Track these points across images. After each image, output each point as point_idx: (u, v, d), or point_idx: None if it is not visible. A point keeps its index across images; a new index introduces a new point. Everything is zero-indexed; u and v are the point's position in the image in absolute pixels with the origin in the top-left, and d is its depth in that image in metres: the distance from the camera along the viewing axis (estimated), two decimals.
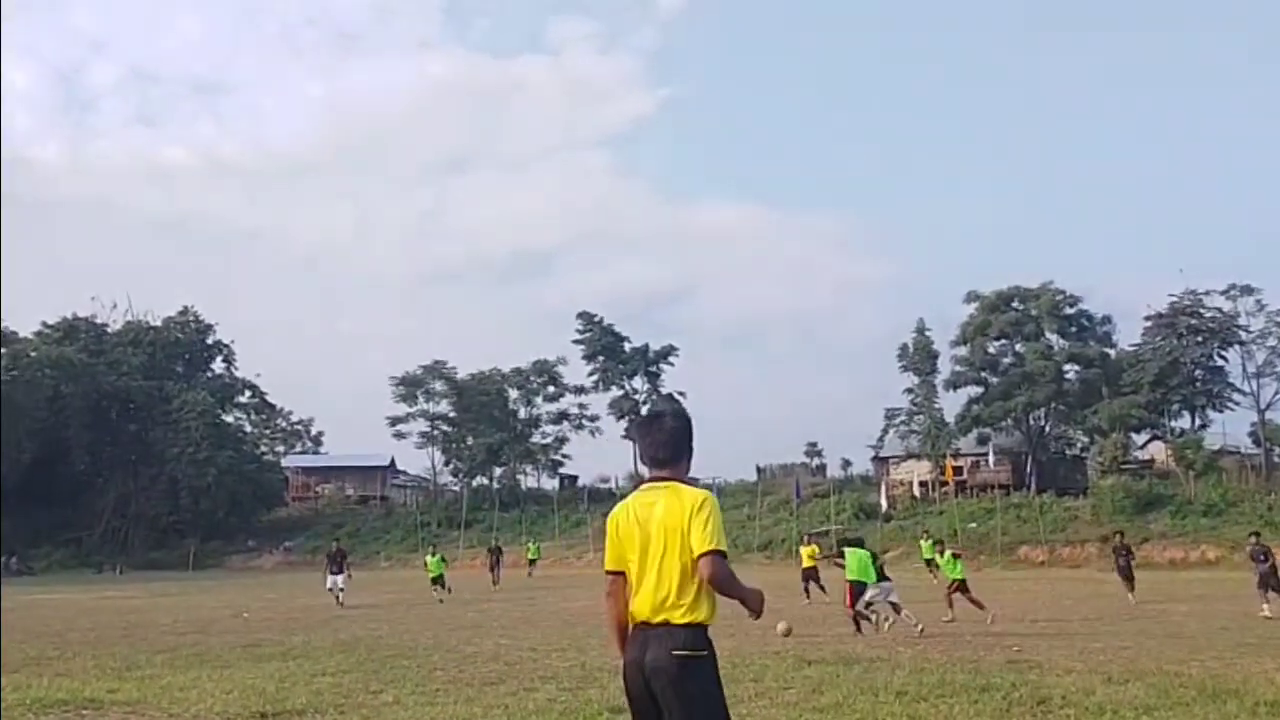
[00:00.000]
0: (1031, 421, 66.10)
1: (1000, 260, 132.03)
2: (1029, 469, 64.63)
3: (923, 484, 64.28)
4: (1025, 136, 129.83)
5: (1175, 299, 64.00)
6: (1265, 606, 20.17)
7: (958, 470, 64.04)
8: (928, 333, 67.22)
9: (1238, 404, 63.60)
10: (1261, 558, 21.64)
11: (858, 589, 17.60)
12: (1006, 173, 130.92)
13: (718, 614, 4.37)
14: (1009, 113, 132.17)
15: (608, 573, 4.59)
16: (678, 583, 4.33)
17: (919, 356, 66.87)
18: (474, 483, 78.94)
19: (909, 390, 67.61)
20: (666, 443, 4.59)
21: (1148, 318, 65.50)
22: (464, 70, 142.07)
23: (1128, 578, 23.59)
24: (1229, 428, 65.66)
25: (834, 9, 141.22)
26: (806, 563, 26.72)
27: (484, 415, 76.12)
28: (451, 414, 77.47)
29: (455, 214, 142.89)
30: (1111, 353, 65.84)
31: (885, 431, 70.79)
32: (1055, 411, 66.11)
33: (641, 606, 4.39)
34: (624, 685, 4.44)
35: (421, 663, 13.39)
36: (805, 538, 29.93)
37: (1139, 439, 67.53)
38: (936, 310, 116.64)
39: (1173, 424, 65.60)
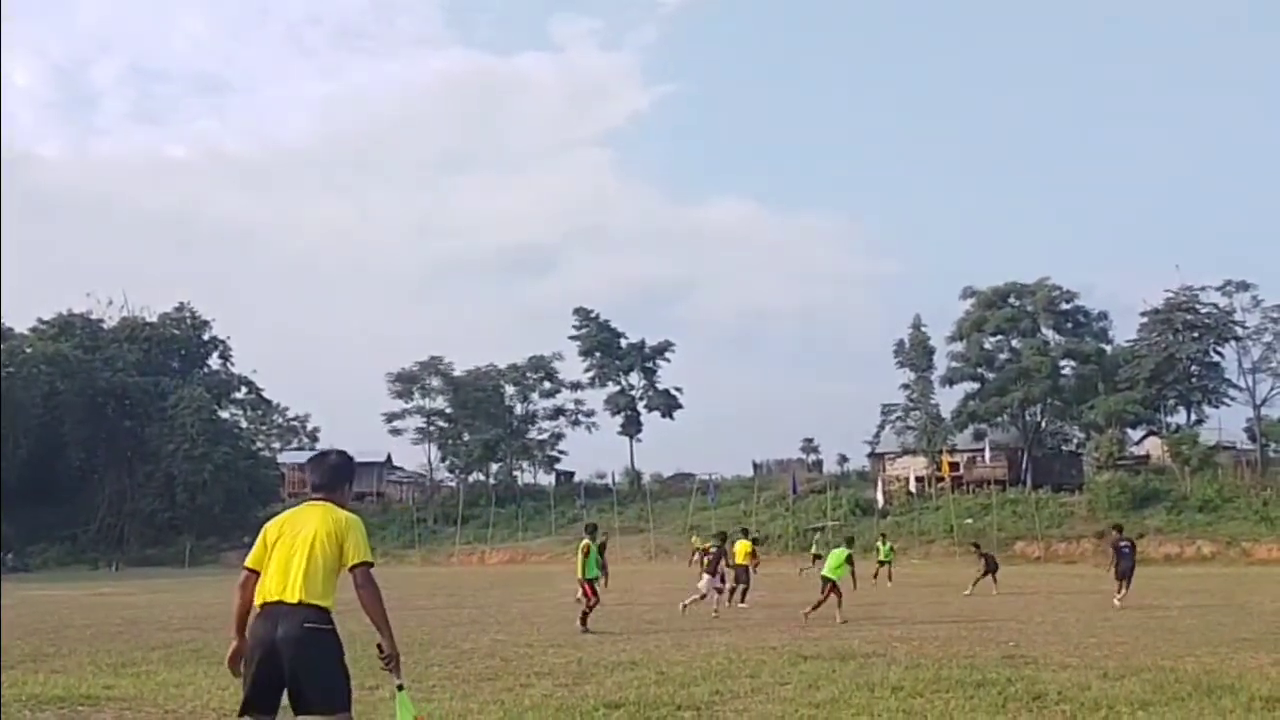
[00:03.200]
0: (1028, 417, 66.19)
1: (997, 256, 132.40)
2: (1025, 465, 64.74)
3: (919, 480, 64.36)
4: (1023, 134, 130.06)
5: (1171, 295, 64.13)
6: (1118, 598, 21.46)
7: (954, 466, 64.11)
8: (924, 329, 67.41)
9: (1233, 400, 63.77)
10: (1126, 550, 22.88)
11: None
12: (1004, 170, 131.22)
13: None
14: (1007, 110, 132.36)
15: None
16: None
17: (915, 352, 66.94)
18: (470, 479, 78.96)
19: (905, 386, 67.73)
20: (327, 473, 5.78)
21: (1144, 314, 65.68)
22: (465, 67, 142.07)
23: (1123, 576, 22.91)
24: (1225, 423, 65.85)
25: (834, 6, 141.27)
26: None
27: (480, 411, 76.10)
28: (448, 410, 77.42)
29: (455, 210, 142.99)
30: (1108, 349, 65.96)
31: (882, 427, 70.88)
32: (1051, 407, 66.19)
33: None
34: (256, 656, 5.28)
35: (417, 659, 13.38)
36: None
37: (1135, 435, 67.74)
38: (933, 306, 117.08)
39: (1168, 420, 65.73)
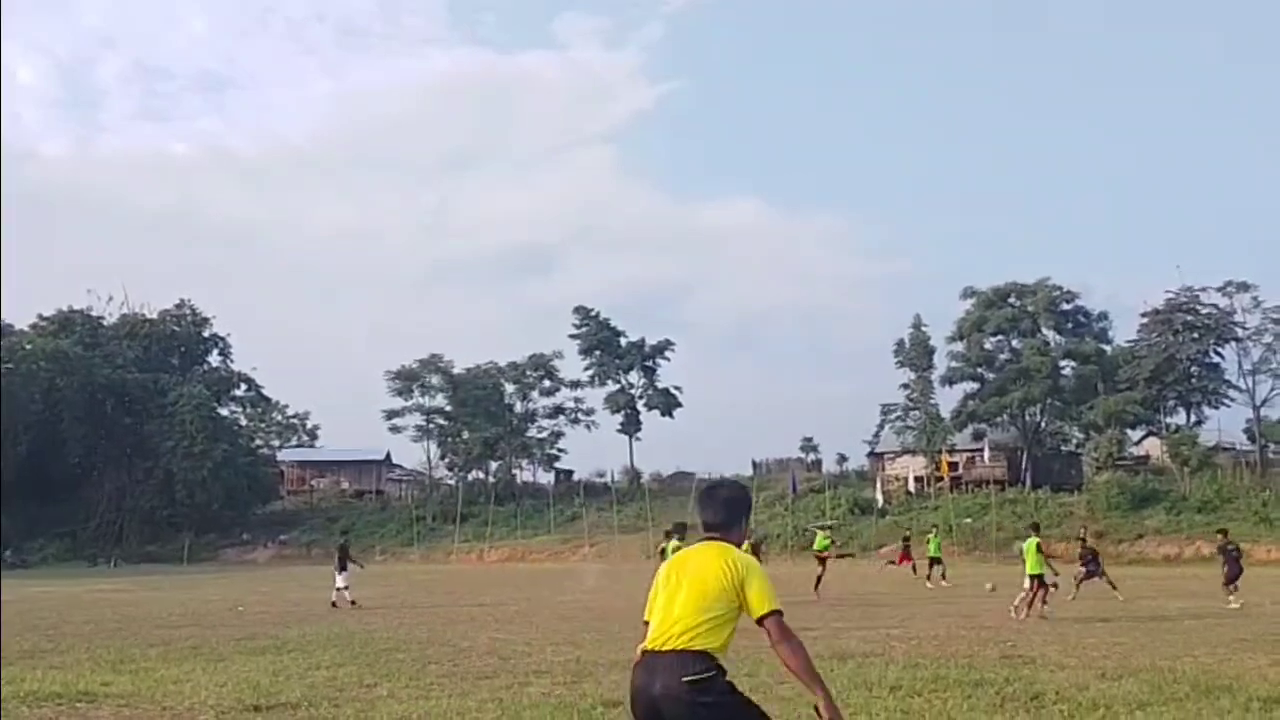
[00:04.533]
0: (1027, 417, 66.19)
1: (998, 257, 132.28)
2: (1024, 465, 64.75)
3: (918, 479, 64.39)
4: (1024, 135, 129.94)
5: (1172, 296, 64.11)
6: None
7: (953, 466, 64.12)
8: (925, 328, 67.38)
9: (1233, 400, 63.76)
10: (1233, 553, 23.19)
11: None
12: (1005, 170, 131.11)
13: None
14: (1007, 110, 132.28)
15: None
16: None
17: (916, 352, 66.93)
18: (470, 477, 78.92)
19: (905, 386, 67.72)
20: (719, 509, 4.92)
21: (1144, 314, 65.65)
22: (470, 66, 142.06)
23: (1231, 580, 23.14)
24: (1224, 424, 65.84)
25: (836, 7, 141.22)
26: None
27: (480, 409, 76.02)
28: (447, 408, 77.37)
29: (458, 209, 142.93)
30: (1108, 349, 65.97)
31: (881, 427, 70.86)
32: (1051, 407, 66.20)
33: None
34: None
35: (416, 656, 13.39)
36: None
37: (1134, 435, 67.72)
38: (934, 306, 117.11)
39: (1168, 420, 65.67)
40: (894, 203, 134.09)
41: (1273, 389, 61.16)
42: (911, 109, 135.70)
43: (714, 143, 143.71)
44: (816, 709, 4.42)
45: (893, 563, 35.53)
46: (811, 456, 77.32)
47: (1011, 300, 65.98)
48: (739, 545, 4.81)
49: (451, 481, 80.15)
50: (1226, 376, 63.79)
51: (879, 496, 60.90)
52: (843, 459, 77.18)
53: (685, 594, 4.56)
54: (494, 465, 78.58)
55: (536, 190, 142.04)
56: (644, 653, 4.56)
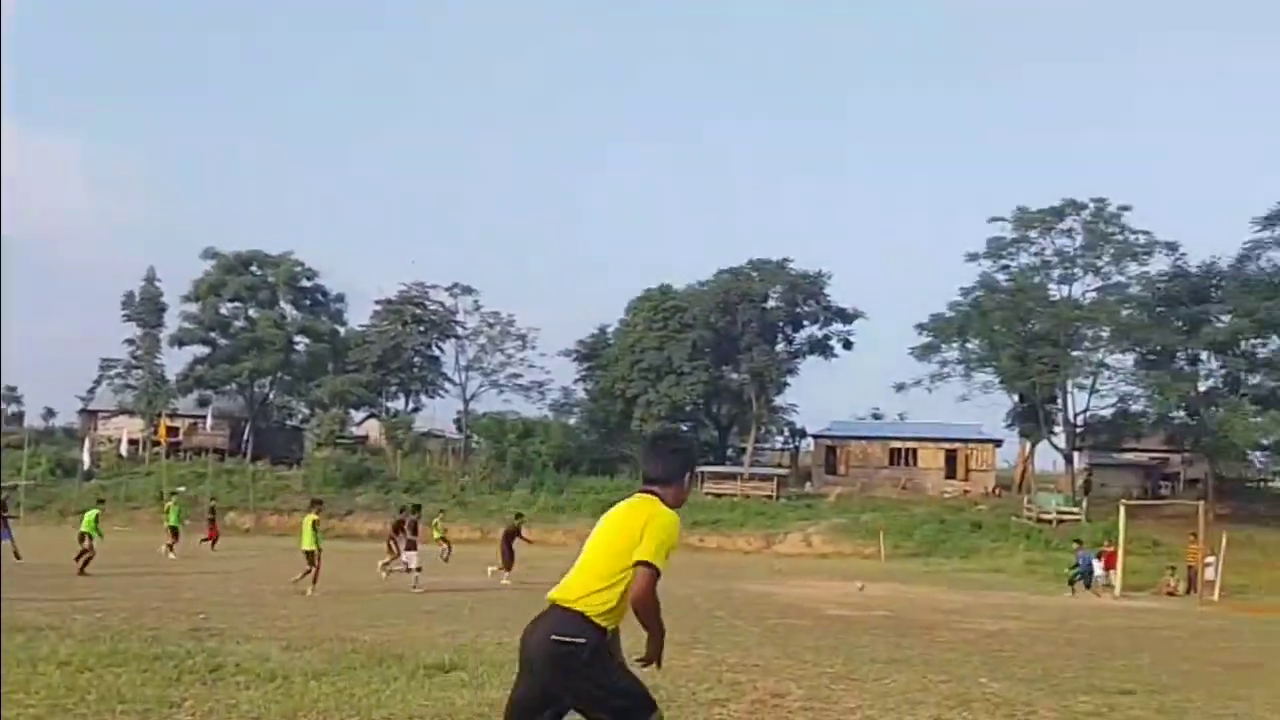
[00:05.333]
0: (256, 388, 66.13)
1: (245, 223, 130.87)
2: (247, 435, 64.56)
3: (133, 442, 61.11)
4: (282, 109, 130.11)
5: (405, 288, 68.15)
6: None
7: (173, 431, 61.92)
8: (158, 283, 63.85)
9: (448, 392, 69.50)
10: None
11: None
12: (279, 138, 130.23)
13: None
14: (285, 88, 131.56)
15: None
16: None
17: (145, 307, 63.23)
18: None
19: (130, 341, 63.81)
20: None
21: (378, 302, 68.95)
22: None
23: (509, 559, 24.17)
24: (438, 413, 71.48)
25: None
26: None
27: None
28: None
29: None
30: (342, 330, 68.24)
31: (98, 383, 66.21)
32: (281, 381, 66.89)
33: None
34: None
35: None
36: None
37: (357, 416, 70.77)
38: (171, 261, 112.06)
39: (389, 405, 69.61)
40: (145, 140, 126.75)
41: (481, 385, 67.62)
42: (196, 51, 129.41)
43: None
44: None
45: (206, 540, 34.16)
46: (14, 408, 70.01)
47: (254, 269, 65.50)
48: (676, 503, 4.71)
49: None
50: (444, 369, 69.39)
51: (86, 458, 56.62)
52: (50, 414, 71.01)
53: (591, 551, 4.62)
54: None
55: None
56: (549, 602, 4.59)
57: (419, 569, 21.62)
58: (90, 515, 23.17)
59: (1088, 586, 29.54)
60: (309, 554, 19.39)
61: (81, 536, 22.43)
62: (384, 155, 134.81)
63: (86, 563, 21.77)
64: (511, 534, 24.84)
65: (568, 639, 4.44)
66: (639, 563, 4.45)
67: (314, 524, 19.83)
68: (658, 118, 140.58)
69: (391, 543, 25.17)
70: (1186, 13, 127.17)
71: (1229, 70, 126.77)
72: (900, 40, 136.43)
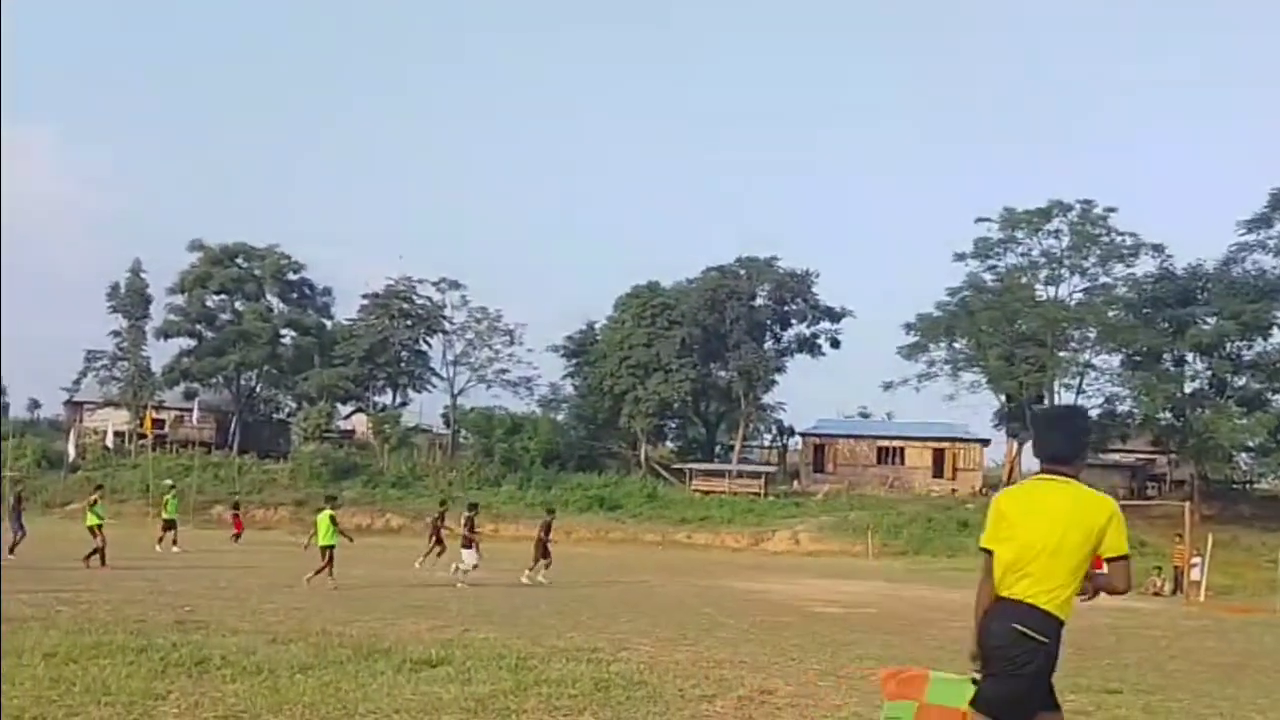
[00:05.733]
0: (243, 381, 65.97)
1: (231, 215, 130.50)
2: (233, 429, 64.39)
3: (119, 434, 60.86)
4: (273, 103, 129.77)
5: (392, 283, 68.00)
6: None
7: (159, 424, 61.69)
8: (144, 275, 63.42)
9: (435, 387, 69.40)
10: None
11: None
12: (253, 126, 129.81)
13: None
14: (276, 73, 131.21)
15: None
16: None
17: (131, 299, 62.89)
18: None
19: (116, 334, 63.54)
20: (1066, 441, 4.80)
21: (365, 296, 68.85)
22: None
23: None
24: (425, 408, 71.32)
25: None
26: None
27: None
28: None
29: None
30: (329, 324, 68.08)
31: (84, 374, 65.98)
32: (267, 374, 66.73)
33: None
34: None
35: None
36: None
37: (344, 410, 70.62)
38: (156, 253, 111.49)
39: (376, 399, 69.51)
40: (131, 133, 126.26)
41: (469, 380, 67.53)
42: (194, 33, 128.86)
43: None
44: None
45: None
46: None
47: (240, 261, 65.33)
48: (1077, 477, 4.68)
49: None
50: (432, 364, 69.28)
51: (72, 450, 56.33)
52: (35, 405, 70.66)
53: (1045, 549, 4.54)
54: None
55: None
56: (998, 598, 4.58)
57: (474, 567, 21.54)
58: (93, 506, 23.02)
59: None
60: (326, 549, 19.59)
61: (92, 531, 22.35)
62: (371, 149, 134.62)
63: (102, 555, 21.78)
64: (546, 529, 25.21)
65: (1040, 636, 4.49)
66: (1119, 558, 4.66)
67: (332, 519, 20.24)
68: (645, 114, 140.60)
69: (434, 537, 25.68)
70: (1174, 13, 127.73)
71: (1216, 71, 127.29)
72: (887, 40, 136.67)
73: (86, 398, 66.92)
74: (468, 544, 22.09)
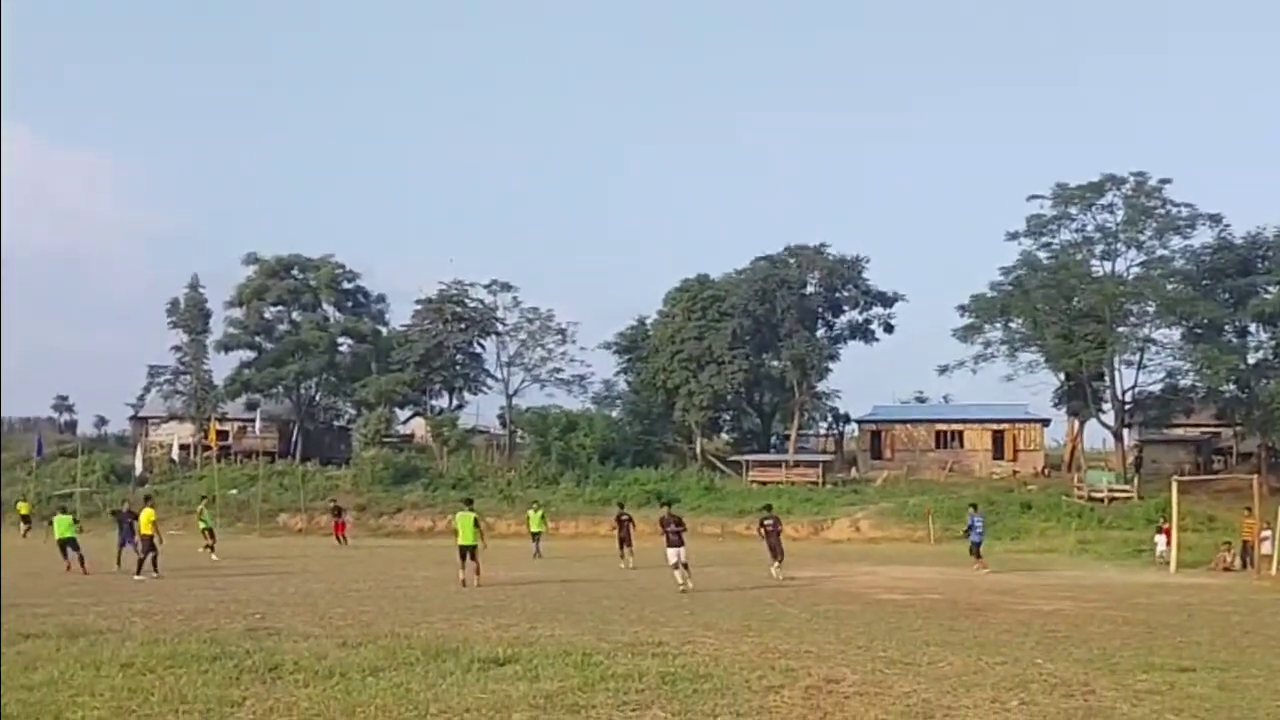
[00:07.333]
0: (302, 390, 66.73)
1: (284, 227, 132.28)
2: (296, 437, 65.20)
3: (184, 447, 61.89)
4: (310, 118, 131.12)
5: (444, 287, 68.31)
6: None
7: (223, 435, 62.62)
8: (202, 290, 64.43)
9: (490, 388, 69.65)
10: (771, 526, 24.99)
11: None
12: (294, 141, 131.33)
13: None
14: (295, 96, 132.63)
15: None
16: None
17: (191, 314, 63.91)
18: None
19: (177, 348, 64.57)
20: None
21: (418, 301, 69.16)
22: None
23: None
24: (482, 409, 71.77)
25: None
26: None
27: None
28: None
29: None
30: (384, 330, 68.71)
31: (148, 390, 67.14)
32: (326, 383, 67.41)
33: None
34: None
35: None
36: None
37: (402, 414, 71.22)
38: (214, 269, 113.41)
39: (433, 403, 70.00)
40: (182, 156, 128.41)
41: (524, 380, 67.74)
42: (216, 52, 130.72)
43: None
44: None
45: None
46: (66, 417, 71.14)
47: (295, 272, 66.08)
48: None
49: None
50: (486, 366, 69.61)
51: (139, 464, 57.46)
52: (102, 421, 72.03)
53: None
54: None
55: None
56: None
57: (684, 564, 20.49)
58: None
59: (978, 556, 28.91)
60: (469, 549, 20.58)
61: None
62: (418, 158, 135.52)
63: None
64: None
65: None
66: None
67: (475, 521, 21.28)
68: (689, 108, 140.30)
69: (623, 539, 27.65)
70: None
71: (1265, 37, 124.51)
72: (932, 20, 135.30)
73: (151, 412, 68.09)
74: (673, 542, 20.96)
